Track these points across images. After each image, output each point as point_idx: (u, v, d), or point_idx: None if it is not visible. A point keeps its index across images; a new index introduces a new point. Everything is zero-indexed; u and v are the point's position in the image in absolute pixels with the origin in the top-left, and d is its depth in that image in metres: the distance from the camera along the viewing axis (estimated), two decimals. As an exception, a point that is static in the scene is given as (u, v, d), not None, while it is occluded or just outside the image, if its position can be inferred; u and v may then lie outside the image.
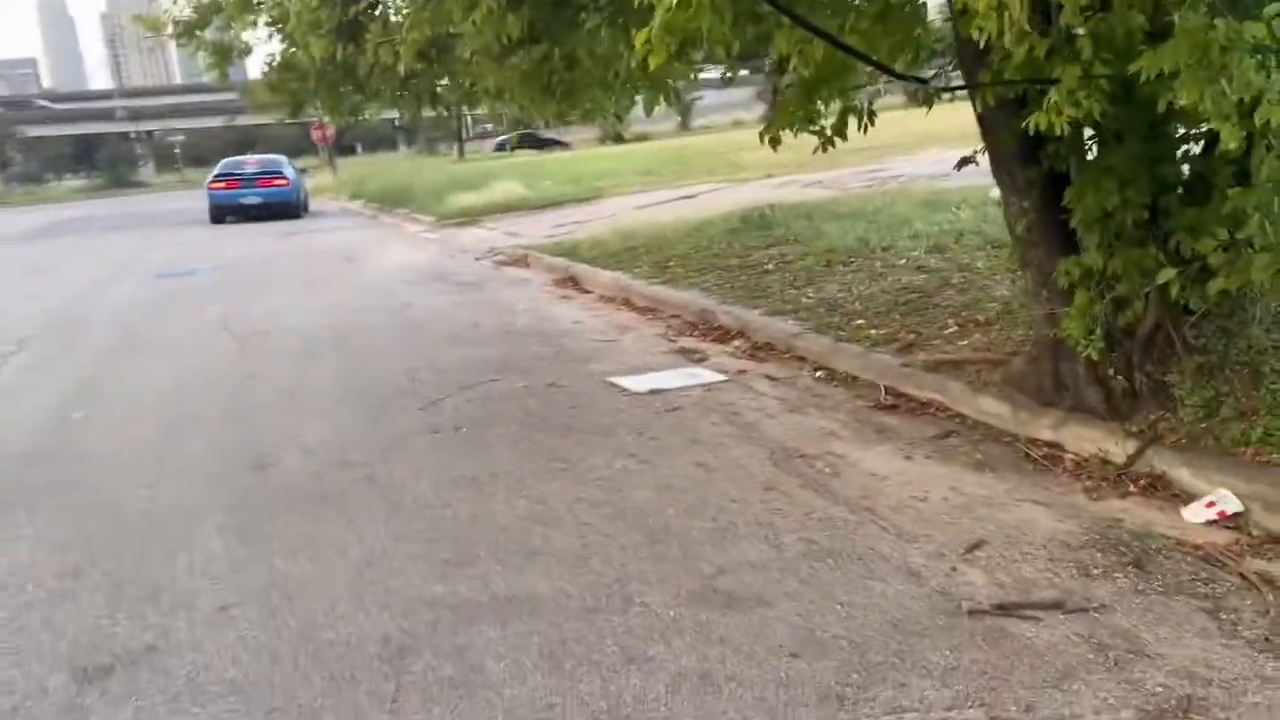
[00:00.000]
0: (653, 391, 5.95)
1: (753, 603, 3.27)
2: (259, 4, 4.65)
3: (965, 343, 5.74)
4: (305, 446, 5.29)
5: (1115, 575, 3.26)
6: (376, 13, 4.47)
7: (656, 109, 5.68)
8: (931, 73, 4.38)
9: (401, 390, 6.38)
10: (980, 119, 4.23)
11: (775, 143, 4.26)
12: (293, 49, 5.33)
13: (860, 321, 6.64)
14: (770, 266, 9.03)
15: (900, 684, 2.73)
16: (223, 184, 24.51)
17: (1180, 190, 3.71)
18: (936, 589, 3.27)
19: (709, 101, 51.10)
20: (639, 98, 5.10)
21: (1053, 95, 2.98)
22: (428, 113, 7.11)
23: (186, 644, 3.21)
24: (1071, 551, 3.46)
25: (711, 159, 24.91)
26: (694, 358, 6.82)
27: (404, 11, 4.03)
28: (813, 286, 7.94)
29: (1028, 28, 2.72)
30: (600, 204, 18.22)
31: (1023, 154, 4.09)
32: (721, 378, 6.19)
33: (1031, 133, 3.21)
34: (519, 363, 6.95)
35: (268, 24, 4.79)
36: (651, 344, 7.35)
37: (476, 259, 13.24)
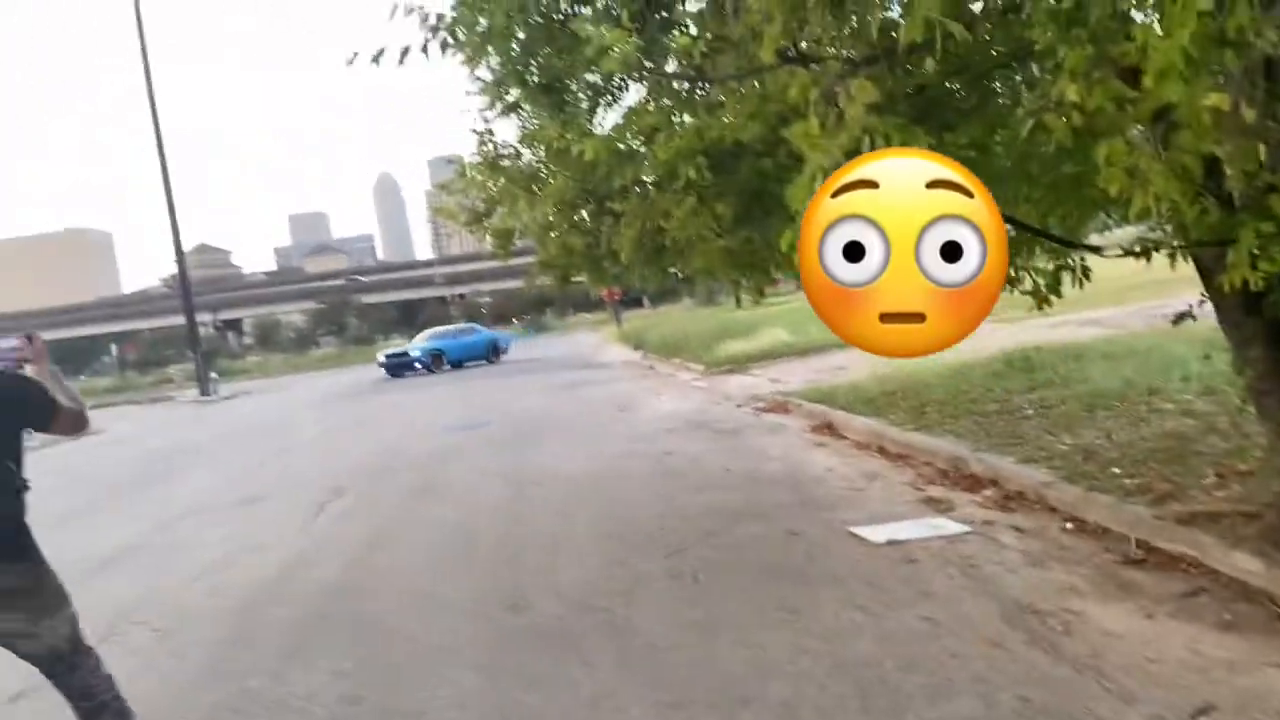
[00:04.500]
0: (891, 542, 5.99)
1: (954, 761, 3.28)
2: (521, 209, 5.43)
3: (1223, 494, 5.39)
4: (558, 589, 5.76)
5: (1359, 754, 3.01)
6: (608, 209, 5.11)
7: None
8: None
9: (650, 536, 6.78)
10: (1199, 269, 4.15)
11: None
12: (555, 234, 6.07)
13: (1116, 470, 6.37)
14: (1029, 411, 8.81)
15: None
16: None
17: None
18: (1151, 757, 3.15)
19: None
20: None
21: (1231, 254, 2.98)
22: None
23: (434, 766, 3.65)
24: (1313, 725, 3.23)
25: (986, 297, 24.33)
26: (940, 507, 6.77)
27: (624, 209, 4.62)
28: (1070, 432, 7.68)
29: (1178, 196, 2.77)
30: (866, 348, 18.30)
31: (1246, 304, 3.97)
32: (965, 529, 6.13)
33: (1227, 290, 3.18)
34: (763, 510, 7.18)
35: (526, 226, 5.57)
36: (899, 493, 7.36)
37: (738, 406, 13.70)
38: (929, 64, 3.12)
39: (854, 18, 3.13)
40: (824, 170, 2.86)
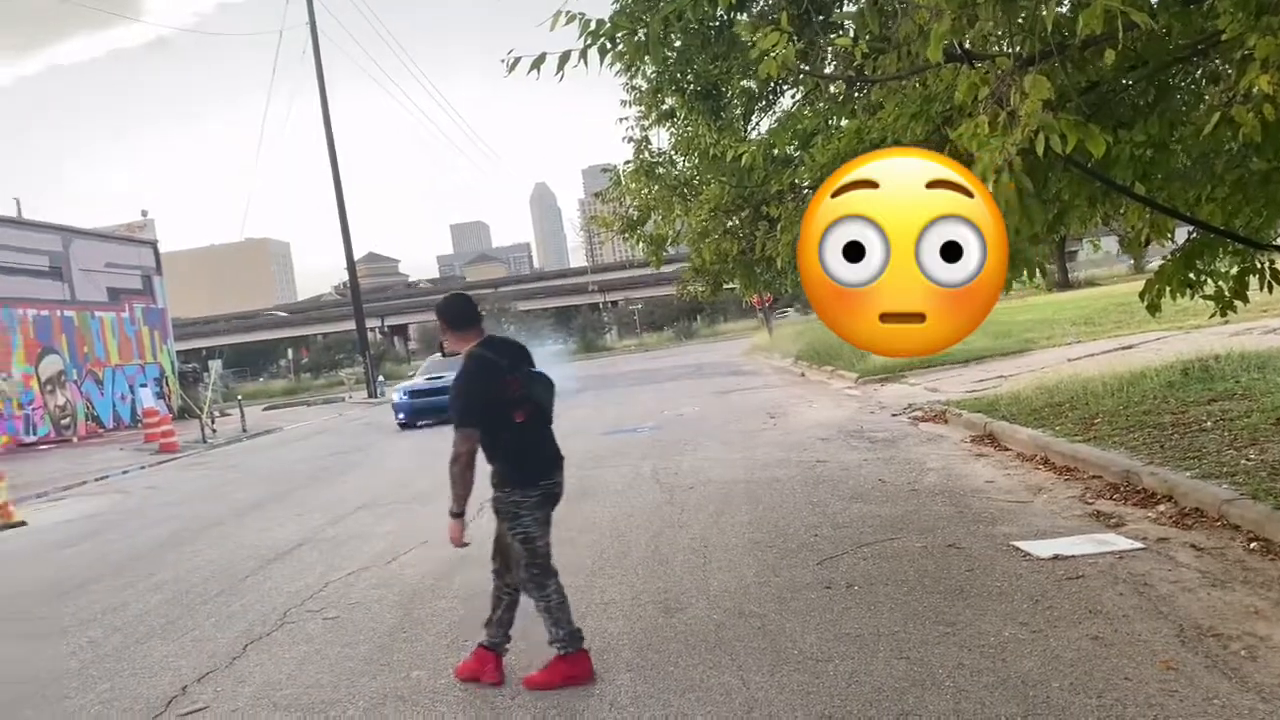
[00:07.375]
0: (1057, 557, 5.75)
1: (1127, 788, 3.13)
2: (676, 216, 5.50)
3: None
4: (710, 594, 5.78)
5: None
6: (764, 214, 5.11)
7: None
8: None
9: (802, 544, 6.71)
10: None
11: (1154, 309, 4.16)
12: (708, 240, 6.10)
13: (1309, 488, 5.94)
14: (1209, 424, 8.31)
15: None
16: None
17: None
18: (1352, 798, 2.92)
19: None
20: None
21: None
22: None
23: (590, 762, 3.72)
24: None
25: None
26: (1110, 522, 6.46)
27: (780, 215, 4.60)
28: (1255, 447, 7.20)
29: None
30: (1028, 357, 17.62)
31: None
32: (1137, 545, 5.83)
33: None
34: (920, 522, 7.01)
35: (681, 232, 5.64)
36: (1065, 506, 7.06)
37: (894, 415, 13.40)
38: (1106, 58, 2.99)
39: (1025, 12, 3.03)
40: (995, 170, 2.78)
